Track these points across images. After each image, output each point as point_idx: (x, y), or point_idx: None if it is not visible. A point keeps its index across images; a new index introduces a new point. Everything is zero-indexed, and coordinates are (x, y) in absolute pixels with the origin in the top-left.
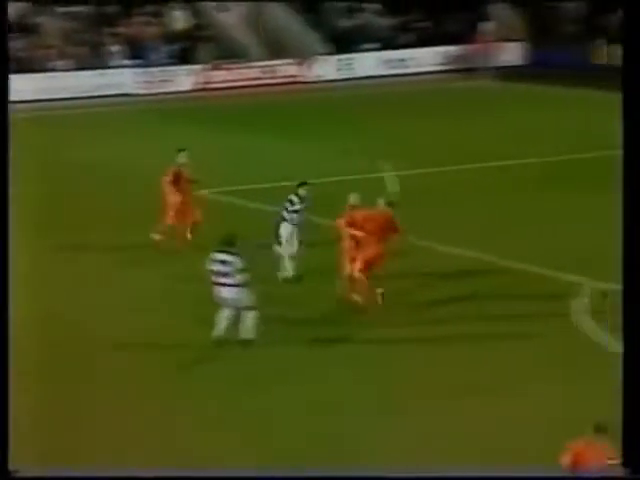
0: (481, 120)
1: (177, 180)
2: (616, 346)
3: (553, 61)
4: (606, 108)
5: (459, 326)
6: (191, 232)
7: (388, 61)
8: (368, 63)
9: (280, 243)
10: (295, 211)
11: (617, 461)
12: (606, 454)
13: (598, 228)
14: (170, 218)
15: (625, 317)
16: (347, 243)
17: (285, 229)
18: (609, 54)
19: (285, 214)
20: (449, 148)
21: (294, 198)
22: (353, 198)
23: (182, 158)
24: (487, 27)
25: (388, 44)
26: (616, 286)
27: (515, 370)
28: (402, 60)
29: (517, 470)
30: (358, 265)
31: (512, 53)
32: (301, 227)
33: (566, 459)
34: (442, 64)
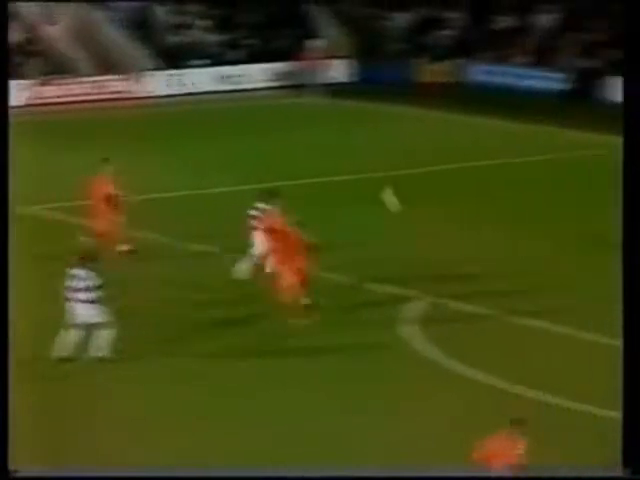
0: (310, 136)
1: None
2: (443, 358)
3: (380, 78)
4: (430, 124)
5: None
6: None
7: (218, 77)
8: (198, 79)
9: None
10: None
11: (524, 456)
12: (517, 446)
13: (426, 242)
14: (104, 227)
15: (625, 317)
16: (275, 253)
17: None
18: (433, 72)
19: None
20: (278, 164)
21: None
22: (272, 210)
23: (108, 167)
24: (315, 44)
25: (218, 60)
26: (444, 300)
27: (346, 381)
28: (231, 76)
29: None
30: (288, 276)
31: (340, 70)
32: None
33: (480, 453)
34: (271, 80)
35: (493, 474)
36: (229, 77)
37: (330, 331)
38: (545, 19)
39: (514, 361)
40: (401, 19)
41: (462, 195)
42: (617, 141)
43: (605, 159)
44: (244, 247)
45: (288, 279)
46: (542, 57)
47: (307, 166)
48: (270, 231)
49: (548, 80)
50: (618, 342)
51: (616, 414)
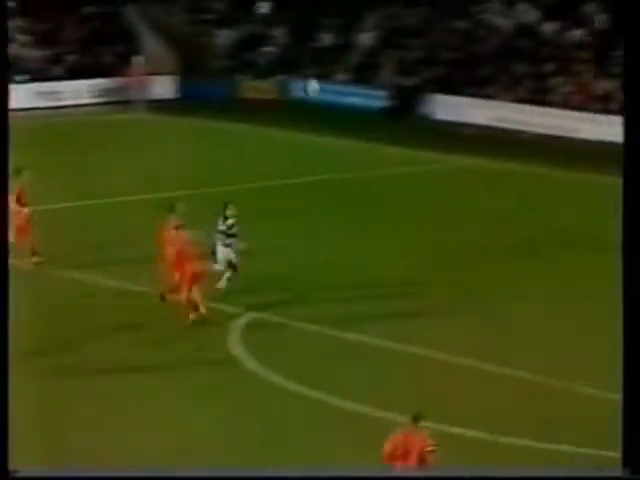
0: (134, 152)
1: (19, 199)
2: (269, 375)
3: (204, 95)
4: (254, 141)
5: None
6: (33, 252)
7: (41, 93)
8: (20, 95)
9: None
10: (234, 234)
11: (434, 447)
12: (425, 441)
13: (253, 257)
14: (12, 237)
15: (625, 316)
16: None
17: (222, 252)
18: (256, 88)
19: (223, 238)
20: (102, 180)
21: (228, 222)
22: (176, 218)
23: (25, 177)
24: (140, 60)
25: (40, 76)
26: (271, 315)
27: (173, 398)
28: (55, 92)
29: (509, 471)
30: (186, 283)
31: (165, 86)
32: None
33: (387, 448)
34: (95, 96)
35: (489, 474)
36: (52, 93)
37: (162, 346)
38: (366, 37)
39: (337, 374)
40: (225, 36)
41: (289, 210)
42: (436, 157)
43: (427, 175)
44: (79, 262)
45: (183, 284)
46: (363, 75)
47: (131, 183)
48: (165, 241)
49: (369, 97)
50: (416, 350)
51: (431, 424)
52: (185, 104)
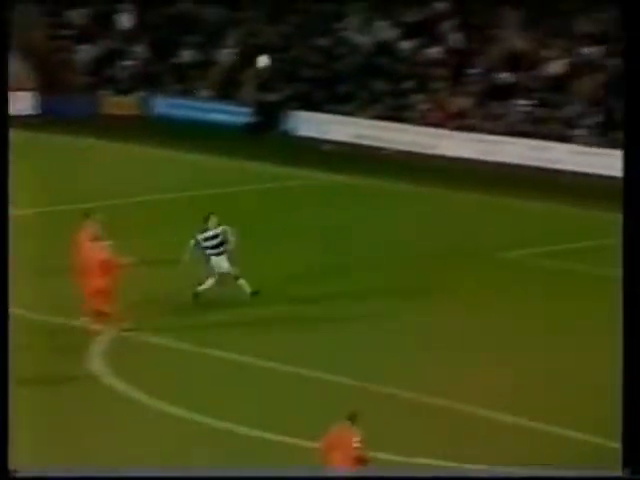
0: None
1: None
2: (133, 392)
3: (65, 111)
4: (115, 157)
5: None
6: None
7: None
8: None
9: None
10: (221, 243)
11: (361, 444)
12: (354, 438)
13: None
14: None
15: (625, 313)
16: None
17: (222, 261)
18: (117, 104)
19: (212, 250)
20: None
21: (210, 232)
22: (93, 228)
23: None
24: None
25: None
26: (132, 332)
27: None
28: None
29: (517, 472)
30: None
31: (24, 102)
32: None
33: (322, 444)
34: None
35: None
36: None
37: (27, 360)
38: (226, 53)
39: (201, 391)
40: (86, 51)
41: (150, 227)
42: (298, 173)
43: (289, 191)
44: None
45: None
46: (225, 91)
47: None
48: (79, 250)
49: (232, 113)
50: (279, 366)
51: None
52: (45, 120)
